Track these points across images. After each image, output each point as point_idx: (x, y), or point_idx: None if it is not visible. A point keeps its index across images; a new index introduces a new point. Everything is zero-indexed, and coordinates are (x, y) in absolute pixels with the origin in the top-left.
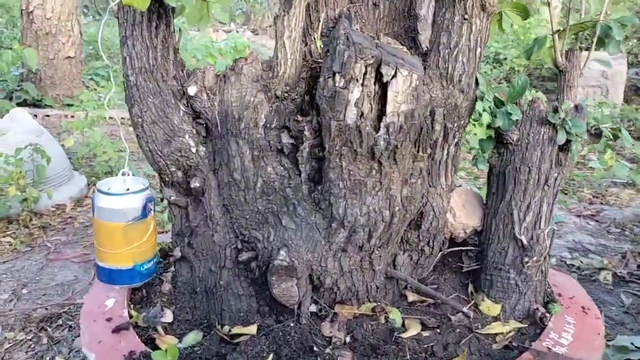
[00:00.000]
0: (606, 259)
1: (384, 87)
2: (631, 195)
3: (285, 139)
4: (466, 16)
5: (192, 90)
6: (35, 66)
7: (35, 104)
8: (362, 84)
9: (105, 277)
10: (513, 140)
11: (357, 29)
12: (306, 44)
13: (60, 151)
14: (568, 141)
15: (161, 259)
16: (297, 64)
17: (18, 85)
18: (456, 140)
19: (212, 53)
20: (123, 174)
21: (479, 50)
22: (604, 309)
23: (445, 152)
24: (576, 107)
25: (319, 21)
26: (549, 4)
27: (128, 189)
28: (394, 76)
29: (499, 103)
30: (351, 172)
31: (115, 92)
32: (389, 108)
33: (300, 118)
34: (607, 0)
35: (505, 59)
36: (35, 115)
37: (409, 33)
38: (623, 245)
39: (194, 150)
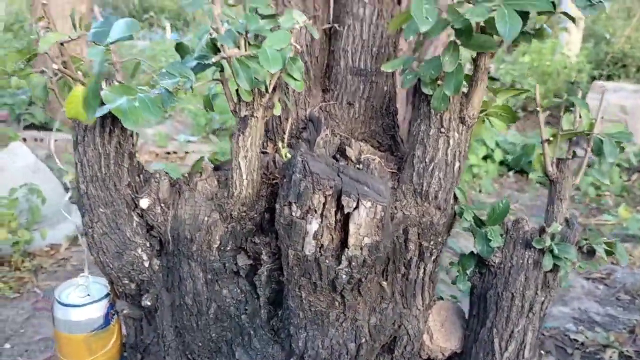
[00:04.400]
0: (613, 335)
1: (346, 216)
2: None
3: (242, 261)
4: (442, 129)
5: (144, 203)
6: (40, 93)
7: (44, 127)
8: (322, 215)
9: None
10: (495, 263)
11: (326, 135)
12: (271, 147)
13: (58, 186)
14: (556, 265)
15: None
16: (255, 184)
17: (26, 109)
18: (434, 257)
19: None
20: (82, 277)
21: (457, 164)
22: None
23: (422, 270)
24: (567, 221)
25: (287, 124)
26: (538, 112)
27: (88, 296)
28: (356, 207)
29: (479, 223)
30: (312, 303)
31: None
32: (351, 241)
33: (257, 240)
34: (601, 109)
35: (522, 87)
36: (42, 140)
37: (387, 131)
38: (633, 316)
39: (146, 264)
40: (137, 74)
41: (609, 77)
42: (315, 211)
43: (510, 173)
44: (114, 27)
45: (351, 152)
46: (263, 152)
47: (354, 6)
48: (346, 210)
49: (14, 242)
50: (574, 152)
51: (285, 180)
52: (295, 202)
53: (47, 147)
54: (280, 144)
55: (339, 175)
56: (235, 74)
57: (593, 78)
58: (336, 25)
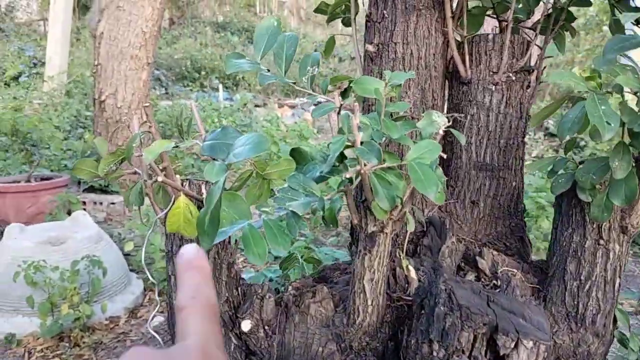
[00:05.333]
0: None
1: (501, 357)
2: None
3: None
4: (601, 241)
5: (246, 325)
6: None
7: (103, 190)
8: (471, 356)
9: None
10: None
11: (452, 242)
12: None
13: (119, 256)
14: None
15: None
16: (381, 309)
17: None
18: None
19: (275, 140)
20: None
21: (617, 281)
22: None
23: None
24: None
25: (404, 233)
26: None
27: None
28: (515, 347)
29: None
30: None
31: None
32: None
33: None
34: None
35: (586, 145)
36: (101, 203)
37: (515, 232)
38: None
39: None
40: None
41: None
42: (463, 352)
43: None
44: (239, 142)
45: (484, 264)
46: None
47: (478, 94)
48: (502, 352)
49: (75, 317)
50: None
51: (424, 311)
52: (438, 341)
53: (105, 210)
54: (400, 254)
55: (489, 306)
56: (374, 192)
57: None
58: (456, 114)
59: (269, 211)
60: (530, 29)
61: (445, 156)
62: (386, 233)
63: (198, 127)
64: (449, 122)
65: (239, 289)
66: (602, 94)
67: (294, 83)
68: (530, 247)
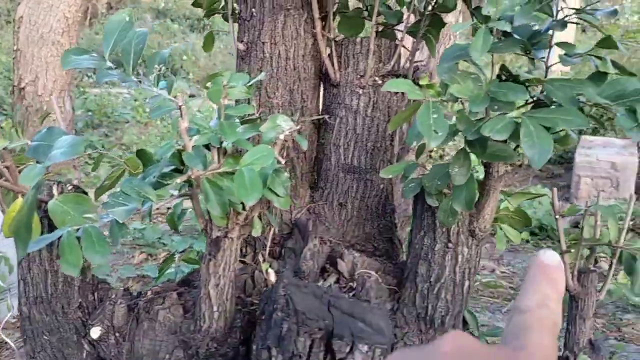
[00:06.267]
0: None
1: None
2: None
3: None
4: (450, 244)
5: (95, 332)
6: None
7: None
8: None
9: None
10: None
11: (314, 245)
12: (250, 255)
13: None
14: None
15: None
16: (228, 314)
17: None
18: None
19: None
20: None
21: (467, 283)
22: None
23: None
24: (591, 344)
25: (269, 231)
26: (557, 219)
27: None
28: (351, 351)
29: None
30: None
31: None
32: None
33: None
34: (626, 226)
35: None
36: None
37: (384, 233)
38: None
39: None
40: (99, 166)
41: (594, 131)
42: (301, 357)
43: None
44: (56, 145)
45: (343, 266)
46: (241, 262)
47: (346, 97)
48: (338, 356)
49: None
50: (596, 260)
51: (264, 317)
52: (275, 347)
53: None
54: (261, 257)
55: (329, 311)
56: (205, 197)
57: (580, 132)
58: (326, 116)
59: (94, 218)
60: (400, 31)
61: (283, 161)
62: (232, 238)
63: (59, 122)
64: (297, 126)
65: (95, 294)
66: (437, 102)
67: (139, 82)
68: (400, 248)
